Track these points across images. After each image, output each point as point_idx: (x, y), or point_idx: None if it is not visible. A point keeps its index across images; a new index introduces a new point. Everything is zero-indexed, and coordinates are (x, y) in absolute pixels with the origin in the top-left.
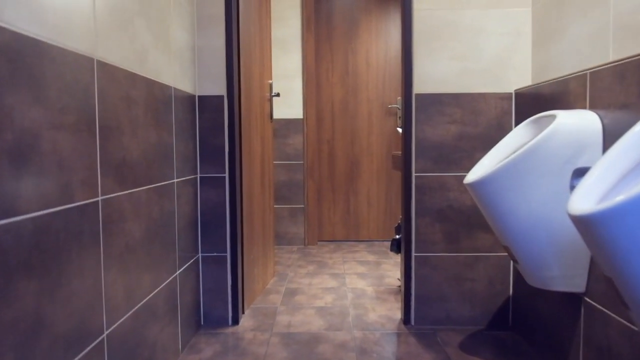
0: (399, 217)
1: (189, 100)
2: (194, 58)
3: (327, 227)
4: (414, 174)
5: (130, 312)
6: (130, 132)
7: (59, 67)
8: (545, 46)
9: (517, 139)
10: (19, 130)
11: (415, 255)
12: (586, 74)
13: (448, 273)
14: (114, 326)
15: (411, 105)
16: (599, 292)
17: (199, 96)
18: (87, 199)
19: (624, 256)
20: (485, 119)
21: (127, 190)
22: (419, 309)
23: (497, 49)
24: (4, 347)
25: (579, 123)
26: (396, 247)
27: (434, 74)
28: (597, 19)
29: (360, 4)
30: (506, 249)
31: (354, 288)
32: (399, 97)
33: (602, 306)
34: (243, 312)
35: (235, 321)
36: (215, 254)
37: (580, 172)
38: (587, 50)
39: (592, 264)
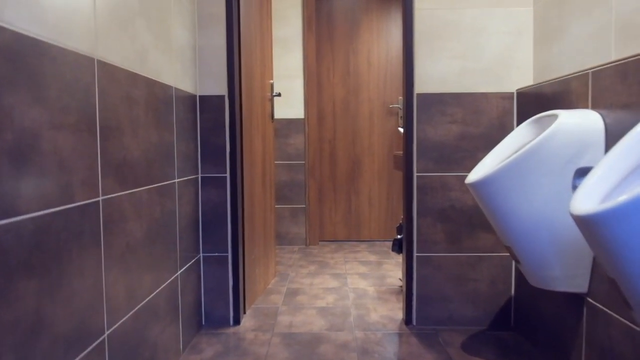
0: (400, 217)
1: (190, 100)
2: (195, 57)
3: (328, 227)
4: (415, 174)
5: (131, 312)
6: (131, 132)
7: (59, 67)
8: (547, 45)
9: (518, 139)
10: (19, 130)
11: (416, 256)
12: (588, 73)
13: (450, 273)
14: (115, 326)
15: (412, 105)
16: (602, 292)
17: (200, 96)
18: (88, 199)
19: (627, 256)
20: (486, 118)
21: (128, 190)
22: (421, 309)
23: (498, 48)
24: (4, 347)
25: (581, 123)
26: (398, 247)
27: (436, 74)
28: (599, 18)
29: (361, 3)
30: (508, 249)
31: (355, 288)
32: (400, 97)
33: (605, 306)
34: (244, 312)
35: (237, 321)
36: (216, 254)
37: (582, 172)
38: (589, 49)
39: (595, 264)
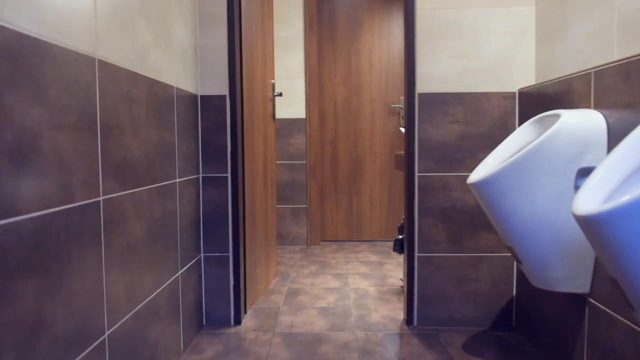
0: (401, 217)
1: (191, 99)
2: (196, 57)
3: (329, 227)
4: (416, 174)
5: (132, 313)
6: (131, 131)
7: (60, 67)
8: (549, 45)
9: (520, 139)
10: (19, 130)
11: (418, 256)
12: (590, 73)
13: (451, 273)
14: (115, 326)
15: (414, 104)
16: (604, 293)
17: (201, 96)
18: (88, 199)
19: (630, 257)
20: (488, 118)
21: (128, 190)
22: (422, 309)
23: (500, 48)
24: (4, 347)
25: (583, 122)
26: (399, 247)
27: (437, 74)
28: (601, 18)
29: (363, 4)
30: (510, 249)
31: (356, 288)
32: (402, 97)
33: (607, 307)
34: (245, 312)
35: (238, 321)
36: (217, 254)
37: (584, 172)
38: (591, 49)
39: (597, 264)
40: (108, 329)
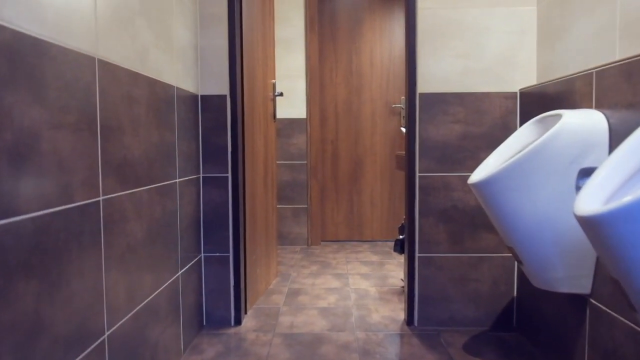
0: (402, 217)
1: (191, 99)
2: (197, 57)
3: (330, 227)
4: (417, 174)
5: (132, 313)
6: (131, 131)
7: (60, 66)
8: (551, 45)
9: (522, 139)
10: (18, 130)
11: (418, 256)
12: (592, 73)
13: (452, 274)
14: (115, 327)
15: (415, 104)
16: (605, 293)
17: (201, 95)
18: (88, 199)
19: (631, 257)
20: (489, 118)
21: (128, 190)
22: (423, 309)
23: (501, 47)
24: (3, 348)
25: (585, 123)
26: (400, 247)
27: (438, 73)
28: (603, 17)
29: (364, 3)
30: (511, 249)
31: (357, 288)
32: (403, 97)
33: (608, 308)
34: (245, 313)
35: (238, 322)
36: (217, 254)
37: (586, 172)
38: (593, 48)
39: (598, 265)
40: (108, 330)
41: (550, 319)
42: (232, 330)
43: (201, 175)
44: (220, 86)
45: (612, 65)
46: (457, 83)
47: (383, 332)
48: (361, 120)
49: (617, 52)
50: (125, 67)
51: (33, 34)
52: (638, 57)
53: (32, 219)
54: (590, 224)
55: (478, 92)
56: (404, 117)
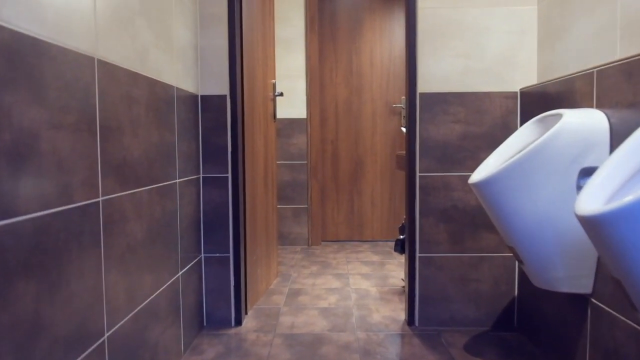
0: (403, 217)
1: (191, 99)
2: (197, 57)
3: (330, 227)
4: (418, 174)
5: (132, 314)
6: (131, 131)
7: (59, 67)
8: (551, 44)
9: (522, 139)
10: (17, 130)
11: (419, 256)
12: (593, 72)
13: (452, 274)
14: (115, 328)
15: (415, 104)
16: (606, 293)
17: (201, 96)
18: (88, 200)
19: (633, 257)
20: (490, 118)
21: (128, 190)
22: (423, 309)
23: (502, 47)
24: (2, 349)
25: (585, 122)
26: (400, 247)
27: (439, 73)
28: (603, 16)
29: (364, 3)
30: (511, 249)
31: (357, 289)
32: (403, 97)
33: (610, 308)
34: (246, 313)
35: (238, 322)
36: (218, 254)
37: (587, 172)
38: (593, 48)
39: (599, 264)
40: (108, 331)
41: (551, 318)
42: (233, 331)
43: (201, 175)
44: (220, 86)
45: (613, 64)
46: (458, 83)
47: (384, 332)
48: (361, 120)
49: (617, 51)
50: (125, 67)
51: (32, 34)
52: (638, 57)
53: (32, 219)
54: (592, 224)
55: (478, 92)
56: (404, 116)
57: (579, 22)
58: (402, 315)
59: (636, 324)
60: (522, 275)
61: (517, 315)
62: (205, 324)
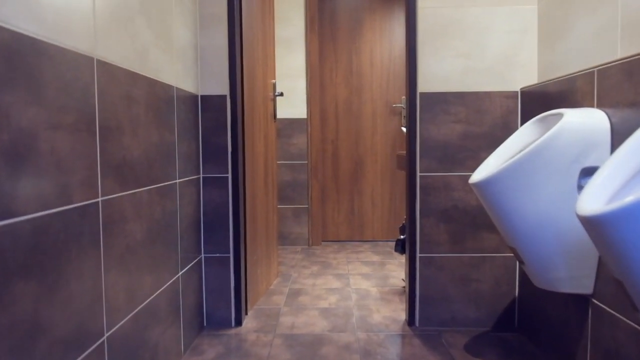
0: (403, 218)
1: (191, 99)
2: (197, 57)
3: (331, 228)
4: (418, 174)
5: (132, 314)
6: (131, 131)
7: (58, 67)
8: (552, 44)
9: (523, 138)
10: (16, 130)
11: (419, 256)
12: (594, 71)
13: (453, 274)
14: (115, 328)
15: (415, 104)
16: (607, 293)
17: (201, 96)
18: (87, 200)
19: (634, 257)
20: (490, 118)
21: (128, 190)
22: (424, 310)
23: (502, 47)
24: (2, 350)
25: (586, 122)
26: (401, 247)
27: (439, 73)
28: (604, 16)
29: (364, 3)
30: (512, 249)
31: (358, 289)
32: (404, 97)
33: (611, 308)
34: (246, 313)
35: (238, 322)
36: (218, 254)
37: (588, 172)
38: (594, 47)
39: (600, 265)
40: (107, 331)
41: (552, 319)
42: (233, 331)
43: (201, 175)
44: (220, 86)
45: (614, 64)
46: (458, 82)
47: (384, 333)
48: (362, 120)
49: (618, 50)
50: (125, 67)
51: (31, 34)
52: (639, 56)
53: (30, 220)
54: (593, 224)
55: (479, 92)
56: (404, 116)
57: (580, 21)
58: (402, 316)
59: (637, 324)
60: (523, 276)
61: (517, 315)
62: (205, 324)
